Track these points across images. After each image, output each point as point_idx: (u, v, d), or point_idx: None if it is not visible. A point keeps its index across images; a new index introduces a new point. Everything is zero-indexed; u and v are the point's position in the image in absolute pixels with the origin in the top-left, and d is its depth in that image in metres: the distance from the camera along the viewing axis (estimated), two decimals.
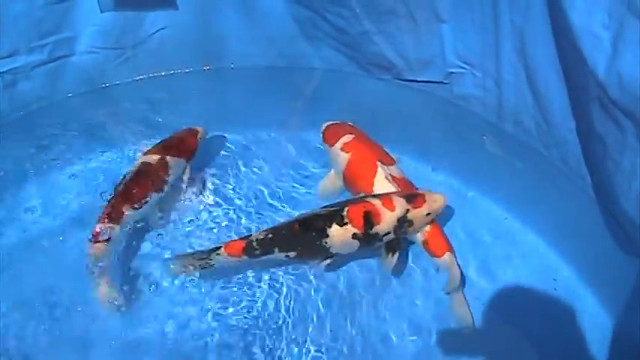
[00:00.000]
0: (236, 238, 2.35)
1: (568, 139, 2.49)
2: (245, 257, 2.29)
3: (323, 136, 2.64)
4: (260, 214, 2.58)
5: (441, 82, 2.90)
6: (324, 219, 2.24)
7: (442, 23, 2.67)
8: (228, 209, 2.59)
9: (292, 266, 2.40)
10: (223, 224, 2.55)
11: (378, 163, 2.44)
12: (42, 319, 2.22)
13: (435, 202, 2.31)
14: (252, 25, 3.02)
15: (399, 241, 2.31)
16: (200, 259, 2.30)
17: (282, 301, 2.32)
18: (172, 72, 3.19)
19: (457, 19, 2.63)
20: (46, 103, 3.03)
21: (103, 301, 2.24)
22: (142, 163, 2.54)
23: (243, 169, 2.74)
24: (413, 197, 2.29)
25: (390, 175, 2.42)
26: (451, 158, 2.73)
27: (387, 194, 2.30)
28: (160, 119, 2.97)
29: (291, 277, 2.39)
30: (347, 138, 2.54)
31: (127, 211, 2.41)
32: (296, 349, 2.19)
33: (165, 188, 2.54)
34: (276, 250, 2.27)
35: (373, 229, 2.24)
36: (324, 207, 2.30)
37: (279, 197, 2.64)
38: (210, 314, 2.29)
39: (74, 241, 2.42)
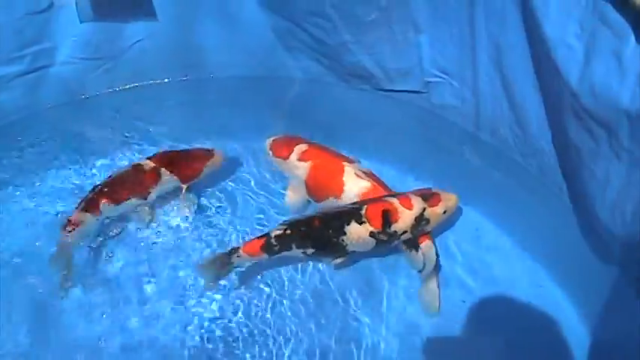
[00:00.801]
0: (253, 237, 2.34)
1: (544, 148, 2.51)
2: (264, 255, 2.30)
3: (272, 152, 2.63)
4: (239, 222, 2.59)
5: (420, 92, 2.91)
6: (343, 216, 2.29)
7: (420, 34, 2.68)
8: (209, 216, 2.61)
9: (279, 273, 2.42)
10: (204, 233, 2.56)
11: (344, 163, 2.48)
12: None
13: (450, 200, 2.40)
14: (231, 35, 3.02)
15: (416, 238, 2.37)
16: (223, 262, 2.28)
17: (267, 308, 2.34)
18: (152, 82, 3.18)
19: (434, 30, 2.64)
20: (26, 113, 3.01)
21: (62, 283, 2.35)
22: (136, 164, 2.55)
23: (222, 178, 2.74)
24: (429, 196, 2.37)
25: (359, 170, 2.46)
26: (430, 167, 2.75)
27: (404, 194, 2.38)
28: (139, 130, 2.97)
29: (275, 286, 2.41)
30: (302, 147, 2.56)
31: (103, 205, 2.45)
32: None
33: (149, 198, 2.55)
34: (294, 246, 2.30)
35: (391, 228, 2.29)
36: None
37: (259, 206, 2.66)
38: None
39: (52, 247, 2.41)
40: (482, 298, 2.37)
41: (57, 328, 2.29)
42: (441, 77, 2.79)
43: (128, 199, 2.50)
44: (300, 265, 2.45)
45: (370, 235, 2.28)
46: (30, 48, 2.86)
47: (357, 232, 2.27)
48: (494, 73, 2.56)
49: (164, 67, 3.17)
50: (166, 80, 3.21)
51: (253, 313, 2.33)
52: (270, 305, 2.35)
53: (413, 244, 2.35)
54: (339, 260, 2.36)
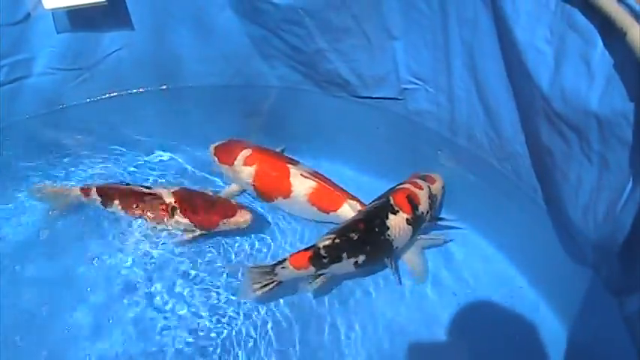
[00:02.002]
0: (301, 248, 2.27)
1: (519, 152, 2.53)
2: (311, 268, 2.22)
3: (217, 158, 2.68)
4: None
5: (396, 99, 2.93)
6: (380, 212, 2.32)
7: (394, 40, 2.70)
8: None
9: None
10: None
11: (288, 165, 2.53)
12: None
13: (440, 178, 2.58)
14: (207, 44, 3.03)
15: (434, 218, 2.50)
16: (265, 274, 2.22)
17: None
18: (130, 92, 3.18)
19: (409, 36, 2.66)
20: (4, 124, 2.99)
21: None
22: (155, 192, 2.52)
23: (202, 187, 2.71)
24: (424, 177, 2.54)
25: (303, 171, 2.52)
26: (407, 172, 2.70)
27: (408, 180, 2.50)
28: (118, 139, 2.96)
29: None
30: (246, 152, 2.61)
31: (115, 204, 2.54)
32: None
33: (156, 225, 2.55)
34: (345, 255, 2.23)
35: (418, 210, 2.36)
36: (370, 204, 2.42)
37: None
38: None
39: (34, 261, 2.44)
40: (457, 300, 2.37)
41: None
42: (416, 83, 2.81)
43: (140, 216, 2.54)
44: None
45: (407, 223, 2.32)
46: (6, 59, 2.86)
47: (397, 223, 2.30)
48: (468, 78, 2.58)
49: (142, 77, 3.17)
50: (144, 90, 3.21)
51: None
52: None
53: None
54: (392, 265, 2.37)
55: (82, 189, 2.59)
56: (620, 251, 2.07)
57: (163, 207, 2.50)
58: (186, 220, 2.48)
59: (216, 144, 2.72)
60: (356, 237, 2.25)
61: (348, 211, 2.49)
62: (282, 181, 2.52)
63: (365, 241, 2.27)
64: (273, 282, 2.22)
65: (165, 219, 2.51)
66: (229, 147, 2.69)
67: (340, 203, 2.51)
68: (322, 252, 2.21)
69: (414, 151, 2.89)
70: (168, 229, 2.53)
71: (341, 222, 2.41)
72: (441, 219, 2.52)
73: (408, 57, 2.74)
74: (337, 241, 2.23)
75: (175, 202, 2.49)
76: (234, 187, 2.67)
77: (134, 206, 2.53)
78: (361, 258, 2.26)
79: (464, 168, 2.80)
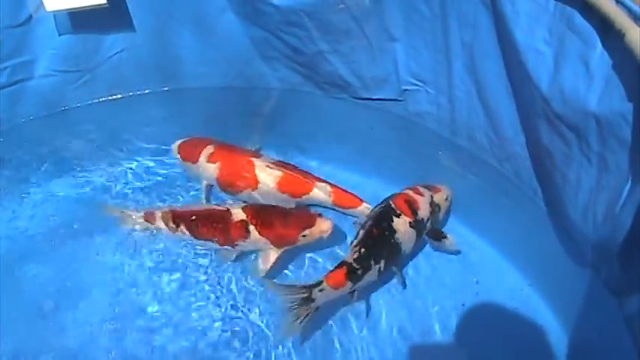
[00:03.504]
0: (332, 269, 2.21)
1: (519, 152, 2.54)
2: (348, 284, 2.18)
3: (180, 156, 2.71)
4: None
5: (396, 100, 2.94)
6: (385, 215, 2.34)
7: (395, 42, 2.71)
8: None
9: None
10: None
11: (252, 159, 2.56)
12: None
13: (446, 189, 2.55)
14: (209, 46, 3.04)
15: (436, 229, 2.48)
16: (303, 301, 2.11)
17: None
18: (131, 94, 3.19)
19: (409, 38, 2.66)
20: (6, 127, 3.00)
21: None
22: (224, 209, 2.40)
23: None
24: (430, 186, 2.53)
25: (268, 162, 2.55)
26: (407, 173, 2.76)
27: (409, 187, 2.50)
28: (120, 141, 2.97)
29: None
30: (209, 149, 2.64)
31: (181, 229, 2.44)
32: None
33: (235, 249, 2.41)
34: (373, 263, 2.23)
35: (418, 215, 2.37)
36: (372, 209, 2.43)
37: None
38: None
39: (34, 266, 2.45)
40: (458, 301, 2.39)
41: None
42: (416, 85, 2.82)
43: (210, 239, 2.42)
44: None
45: (410, 226, 2.34)
46: (8, 61, 2.86)
47: (402, 226, 2.32)
48: (468, 79, 2.58)
49: (143, 79, 3.17)
50: (146, 91, 3.21)
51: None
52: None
53: (438, 235, 2.44)
54: (396, 270, 2.37)
55: (145, 215, 2.51)
56: (619, 251, 2.07)
57: (237, 225, 2.34)
58: (262, 238, 2.33)
59: (179, 142, 2.76)
60: (375, 242, 2.27)
61: (318, 193, 2.56)
62: (248, 174, 2.56)
63: (382, 246, 2.29)
64: (311, 309, 2.14)
65: (240, 240, 2.35)
66: (192, 145, 2.72)
67: (310, 186, 2.56)
68: (355, 265, 2.19)
69: (415, 152, 2.90)
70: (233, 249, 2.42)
71: (313, 203, 2.58)
72: (444, 236, 2.45)
73: (409, 58, 2.75)
74: (363, 250, 2.23)
75: (248, 218, 2.35)
76: (204, 183, 2.68)
77: (203, 229, 2.39)
78: (382, 263, 2.27)
79: (464, 169, 2.81)
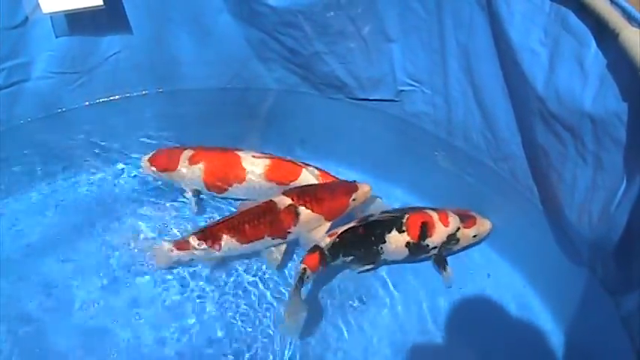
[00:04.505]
0: (307, 252, 2.31)
1: (515, 152, 2.55)
2: (321, 268, 2.29)
3: (156, 168, 2.65)
4: None
5: (393, 100, 2.94)
6: (386, 224, 2.34)
7: (391, 43, 2.71)
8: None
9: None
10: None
11: (236, 152, 2.57)
12: None
13: (483, 225, 2.46)
14: (205, 47, 3.03)
15: (443, 256, 2.43)
16: (297, 290, 2.20)
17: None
18: (128, 95, 3.18)
19: (405, 39, 2.67)
20: (3, 128, 2.99)
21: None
22: (265, 203, 2.36)
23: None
24: (465, 217, 2.44)
25: (253, 154, 2.56)
26: (404, 174, 2.78)
27: (443, 209, 2.43)
28: (117, 142, 2.96)
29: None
30: (188, 153, 2.62)
31: (226, 241, 2.34)
32: None
33: (288, 238, 2.41)
34: (341, 255, 2.32)
35: (425, 241, 2.35)
36: (384, 212, 2.43)
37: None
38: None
39: (34, 267, 2.46)
40: (453, 301, 2.40)
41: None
42: (413, 85, 2.82)
43: (261, 237, 2.37)
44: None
45: (405, 246, 2.33)
46: (5, 63, 2.85)
47: (396, 241, 2.32)
48: (464, 79, 2.59)
49: (140, 80, 3.17)
50: (143, 93, 3.21)
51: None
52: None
53: (440, 263, 2.42)
54: (366, 268, 2.40)
55: (176, 245, 2.37)
56: (615, 251, 2.08)
57: (286, 211, 2.35)
58: (315, 215, 2.38)
59: (148, 156, 2.68)
60: (352, 239, 2.32)
61: (308, 176, 2.56)
62: (235, 167, 2.56)
63: (359, 246, 2.34)
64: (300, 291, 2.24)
65: (291, 226, 2.36)
66: (165, 154, 2.67)
67: (298, 171, 2.57)
68: (327, 252, 2.29)
69: (411, 152, 2.89)
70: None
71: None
72: (444, 266, 2.42)
73: (405, 59, 2.75)
74: (338, 240, 2.29)
75: (294, 201, 2.37)
76: (189, 193, 2.64)
77: (250, 230, 2.33)
78: (349, 259, 2.35)
79: (460, 169, 2.80)
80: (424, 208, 2.46)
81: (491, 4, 2.20)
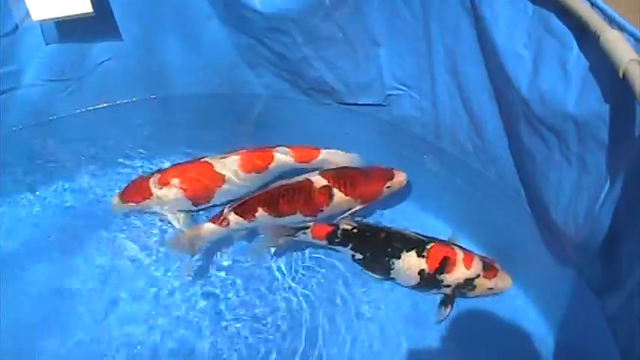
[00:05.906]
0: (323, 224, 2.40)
1: (502, 155, 2.57)
2: (324, 242, 2.37)
3: (130, 203, 2.62)
4: None
5: (381, 105, 2.96)
6: (408, 242, 2.33)
7: (378, 48, 2.73)
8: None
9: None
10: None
11: (202, 160, 2.60)
12: None
13: (503, 281, 2.37)
14: (195, 53, 3.05)
15: (452, 299, 2.35)
16: (288, 234, 2.34)
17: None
18: (119, 102, 3.19)
19: (393, 43, 2.68)
20: None
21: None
22: (302, 180, 2.47)
23: None
24: (489, 267, 2.36)
25: (219, 157, 2.58)
26: None
27: (471, 252, 2.38)
28: (108, 149, 2.98)
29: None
30: (156, 177, 2.60)
31: (260, 212, 2.41)
32: None
33: (319, 216, 2.47)
34: (350, 245, 2.36)
35: (441, 276, 2.30)
36: (413, 231, 2.42)
37: None
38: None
39: (23, 273, 2.48)
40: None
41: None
42: (400, 90, 2.84)
43: (293, 213, 2.45)
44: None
45: (419, 273, 2.30)
46: None
47: (409, 263, 2.30)
48: (451, 83, 2.61)
49: (130, 87, 3.17)
50: (133, 99, 3.21)
51: None
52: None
53: (448, 303, 2.35)
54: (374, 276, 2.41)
55: (214, 220, 2.44)
56: (600, 251, 2.10)
57: (321, 191, 2.43)
58: (348, 198, 2.44)
59: (117, 195, 2.65)
60: (368, 238, 2.35)
61: (281, 157, 2.63)
62: (213, 176, 2.58)
63: (371, 248, 2.36)
64: (289, 239, 2.36)
65: (324, 205, 2.44)
66: (133, 188, 2.65)
67: (270, 153, 2.62)
68: (339, 233, 2.35)
69: (400, 156, 2.89)
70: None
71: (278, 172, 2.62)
72: (447, 306, 2.36)
73: (392, 64, 2.77)
74: (354, 231, 2.34)
75: (330, 183, 2.44)
76: (170, 216, 2.62)
77: (284, 205, 2.42)
78: (358, 256, 2.37)
79: (448, 172, 2.82)
80: (454, 243, 2.42)
81: (476, 7, 2.22)
